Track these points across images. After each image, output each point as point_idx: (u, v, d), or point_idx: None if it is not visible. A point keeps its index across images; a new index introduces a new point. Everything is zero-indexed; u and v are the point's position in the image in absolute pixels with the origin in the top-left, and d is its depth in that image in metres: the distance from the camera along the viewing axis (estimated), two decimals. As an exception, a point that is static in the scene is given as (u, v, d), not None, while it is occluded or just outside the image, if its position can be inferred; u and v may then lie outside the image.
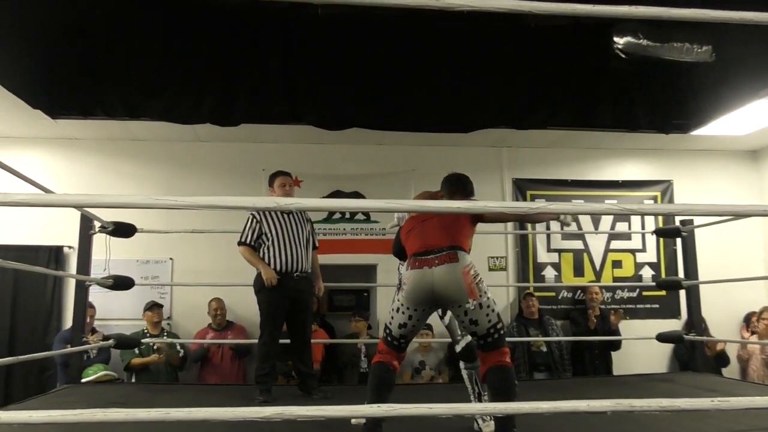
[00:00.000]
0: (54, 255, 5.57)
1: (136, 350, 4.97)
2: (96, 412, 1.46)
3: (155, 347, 5.04)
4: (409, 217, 2.90)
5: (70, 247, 5.48)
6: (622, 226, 6.20)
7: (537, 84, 4.68)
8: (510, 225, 6.19)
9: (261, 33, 4.29)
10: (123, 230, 4.03)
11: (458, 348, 2.87)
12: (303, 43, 4.35)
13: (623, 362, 5.70)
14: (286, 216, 3.80)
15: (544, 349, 5.54)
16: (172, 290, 5.72)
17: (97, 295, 4.90)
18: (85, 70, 4.11)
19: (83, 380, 4.33)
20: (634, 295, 6.12)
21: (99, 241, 4.28)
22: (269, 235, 3.72)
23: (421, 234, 2.70)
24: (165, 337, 5.16)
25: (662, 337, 4.33)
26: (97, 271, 4.37)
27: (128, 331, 5.08)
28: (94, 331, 5.05)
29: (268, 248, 3.71)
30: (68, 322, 4.97)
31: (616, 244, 6.25)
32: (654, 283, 5.06)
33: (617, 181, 6.37)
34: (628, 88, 4.74)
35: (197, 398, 3.74)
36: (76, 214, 4.23)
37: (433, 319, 5.40)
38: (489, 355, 2.51)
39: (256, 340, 5.06)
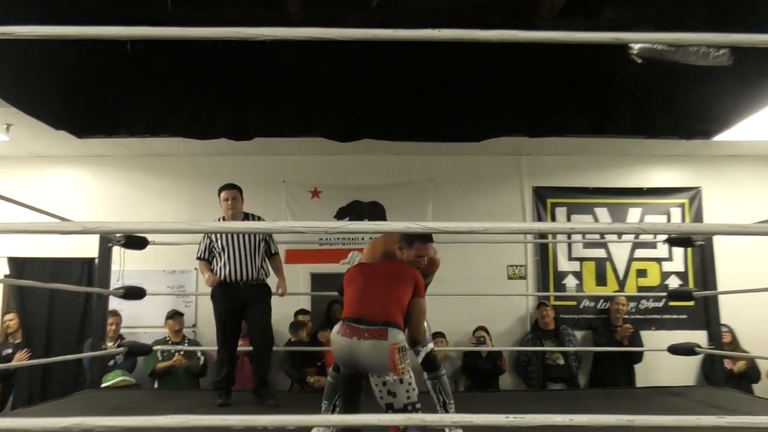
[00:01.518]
0: (86, 267, 5.86)
1: (159, 356, 5.17)
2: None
3: (175, 355, 5.22)
4: (357, 262, 2.95)
5: (101, 259, 5.75)
6: (645, 235, 6.01)
7: (550, 91, 4.61)
8: (529, 235, 6.13)
9: (270, 48, 4.41)
10: (134, 243, 4.23)
11: (419, 359, 2.90)
12: (312, 57, 4.44)
13: (650, 375, 5.51)
14: None
15: (561, 361, 5.42)
16: (196, 299, 5.92)
17: (126, 304, 5.12)
18: (106, 91, 4.33)
19: (102, 385, 4.56)
20: (660, 305, 5.91)
21: (131, 253, 4.53)
22: (217, 248, 3.97)
23: (360, 294, 2.73)
24: (186, 345, 5.35)
25: (673, 350, 4.18)
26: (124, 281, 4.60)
27: (153, 338, 5.31)
28: (121, 338, 5.28)
29: (217, 260, 3.98)
30: (98, 330, 5.22)
31: (640, 253, 6.07)
32: (665, 294, 4.87)
33: (642, 189, 6.20)
34: (646, 93, 4.63)
35: (199, 403, 3.85)
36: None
37: (447, 326, 5.47)
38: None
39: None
